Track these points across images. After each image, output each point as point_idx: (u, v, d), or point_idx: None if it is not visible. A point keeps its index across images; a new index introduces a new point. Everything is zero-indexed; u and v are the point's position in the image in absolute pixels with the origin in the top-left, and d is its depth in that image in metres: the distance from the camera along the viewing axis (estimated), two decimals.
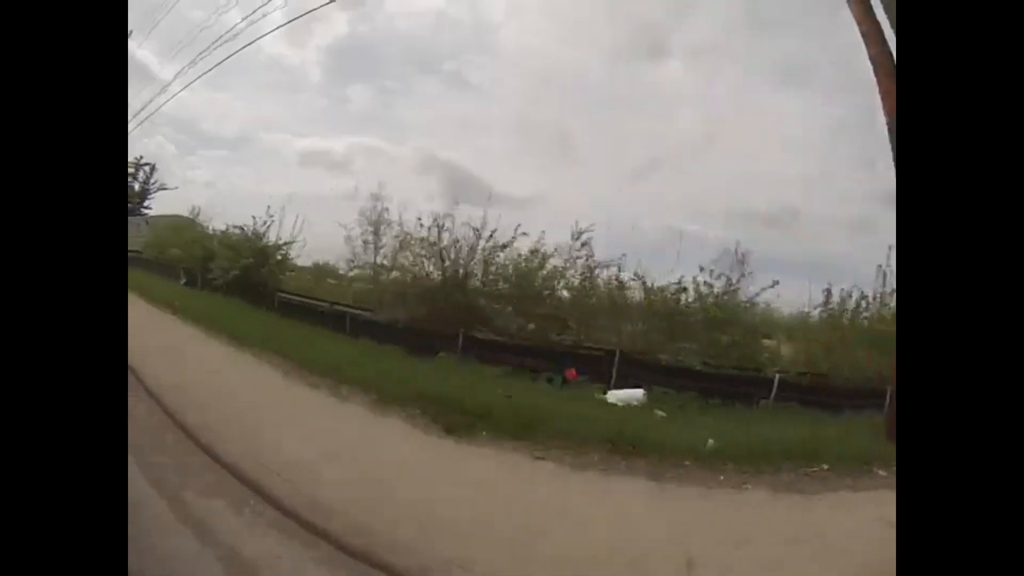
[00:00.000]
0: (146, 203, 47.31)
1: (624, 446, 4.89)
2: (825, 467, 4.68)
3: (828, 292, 10.73)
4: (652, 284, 10.77)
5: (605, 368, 9.41)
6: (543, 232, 11.31)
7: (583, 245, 11.06)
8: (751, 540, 3.58)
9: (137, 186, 45.26)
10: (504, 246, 11.34)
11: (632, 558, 3.27)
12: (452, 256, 11.46)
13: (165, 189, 49.38)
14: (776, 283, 10.49)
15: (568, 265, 11.23)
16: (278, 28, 17.57)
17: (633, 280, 10.84)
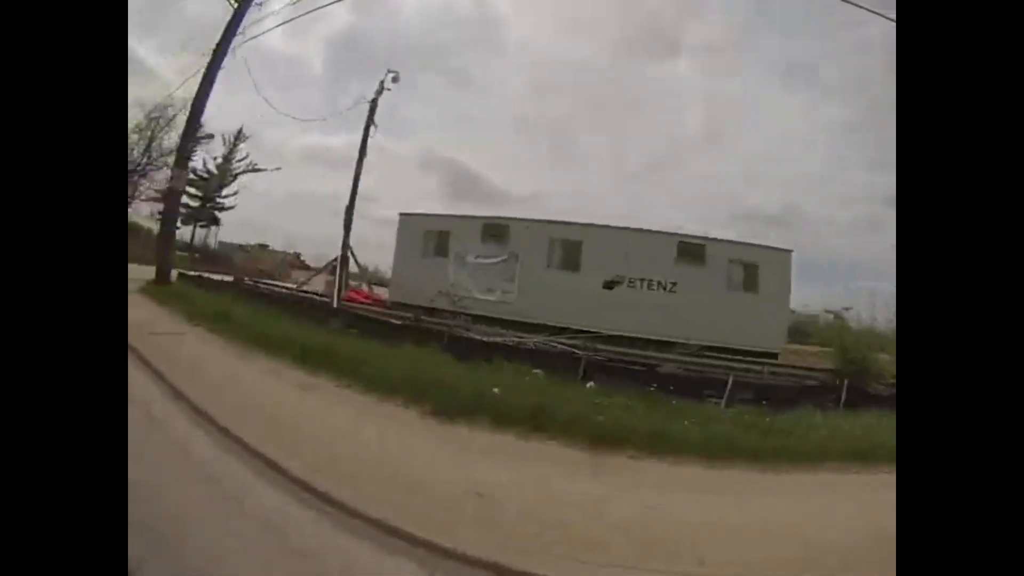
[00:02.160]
0: (225, 194, 36.71)
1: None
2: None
3: None
4: None
5: None
6: None
7: None
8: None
9: (209, 163, 35.52)
10: None
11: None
12: None
13: (257, 171, 36.73)
14: None
15: None
16: (281, 24, 17.48)
17: None
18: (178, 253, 36.55)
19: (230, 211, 38.78)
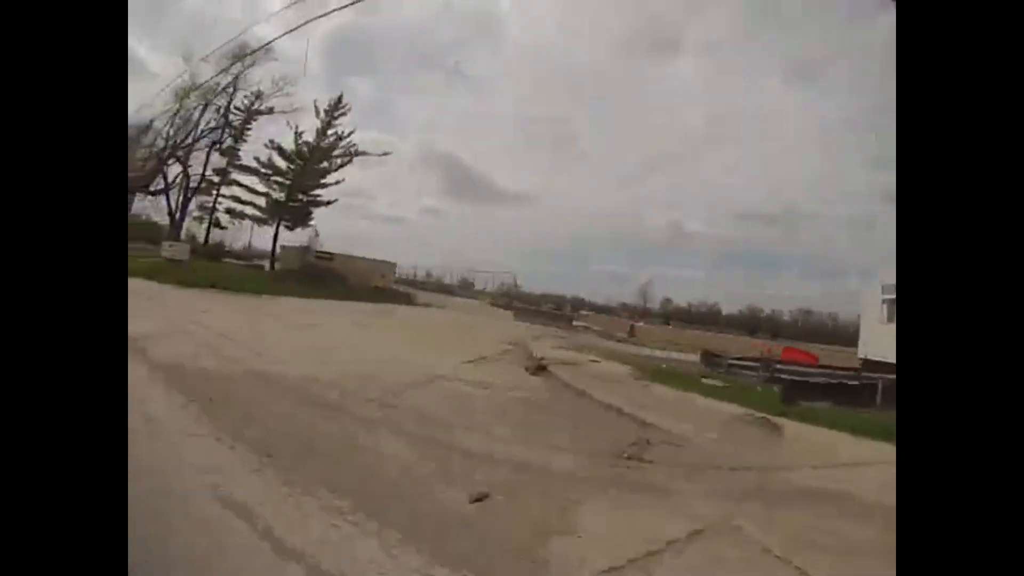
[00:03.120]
0: (327, 181, 26.81)
1: None
2: None
3: None
4: None
5: None
6: None
7: None
8: None
9: (314, 134, 26.04)
10: None
11: None
12: None
13: (360, 154, 26.83)
14: None
15: None
16: (283, 34, 17.41)
17: None
18: (238, 262, 28.05)
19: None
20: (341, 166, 27.40)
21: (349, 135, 27.34)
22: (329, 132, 27.36)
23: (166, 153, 25.05)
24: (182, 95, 23.23)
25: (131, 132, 22.06)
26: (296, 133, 26.89)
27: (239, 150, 27.23)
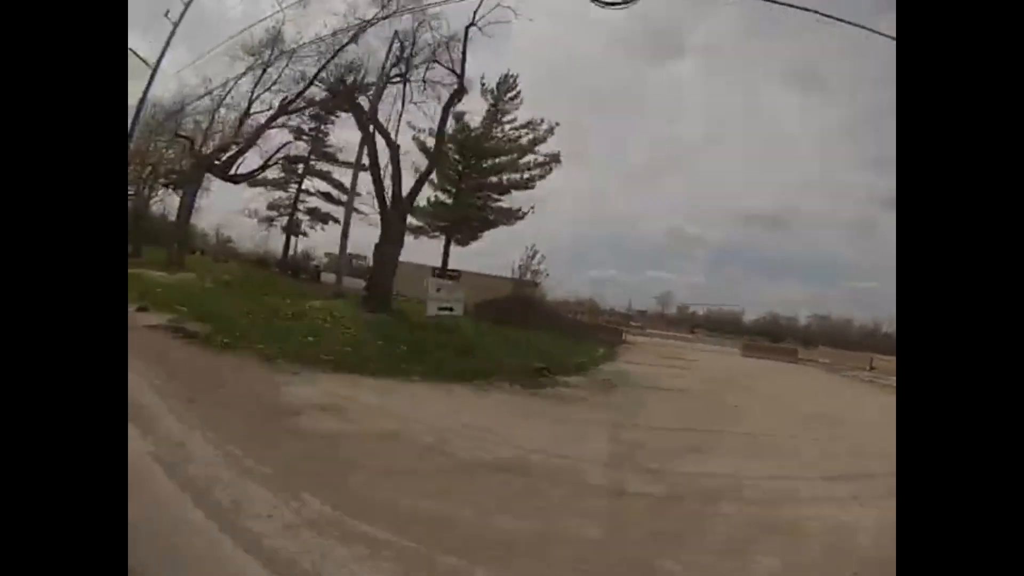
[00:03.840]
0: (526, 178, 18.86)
1: None
2: None
3: None
4: None
5: None
6: None
7: None
8: None
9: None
10: None
11: None
12: None
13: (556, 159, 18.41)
14: None
15: None
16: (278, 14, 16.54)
17: None
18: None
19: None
20: (543, 164, 19.35)
21: (537, 128, 18.98)
22: (505, 120, 19.61)
23: (261, 120, 16.05)
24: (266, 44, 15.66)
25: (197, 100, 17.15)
26: (480, 124, 19.17)
27: (326, 134, 19.66)
